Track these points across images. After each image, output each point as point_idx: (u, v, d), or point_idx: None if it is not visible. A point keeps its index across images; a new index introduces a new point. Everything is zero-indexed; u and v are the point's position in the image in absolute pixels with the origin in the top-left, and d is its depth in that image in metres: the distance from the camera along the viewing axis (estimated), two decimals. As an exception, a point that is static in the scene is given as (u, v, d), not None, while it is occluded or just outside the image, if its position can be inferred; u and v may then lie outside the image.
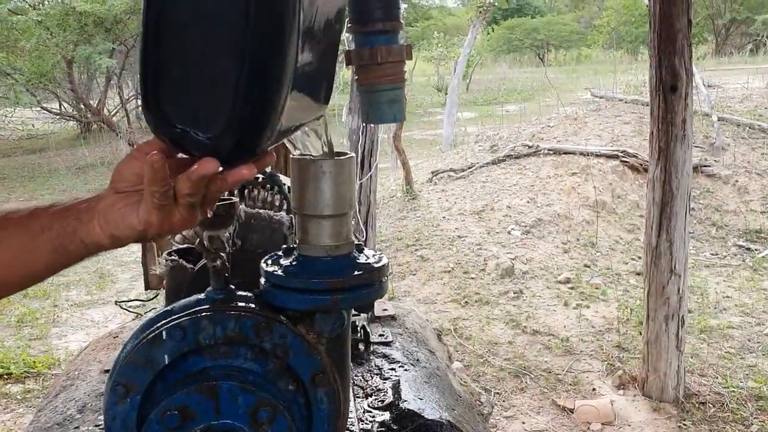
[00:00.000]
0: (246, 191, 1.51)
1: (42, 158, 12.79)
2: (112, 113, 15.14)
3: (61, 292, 5.76)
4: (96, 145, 12.92)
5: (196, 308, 0.93)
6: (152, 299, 1.83)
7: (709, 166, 7.24)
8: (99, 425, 1.37)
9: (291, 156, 0.95)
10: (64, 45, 12.94)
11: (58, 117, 15.58)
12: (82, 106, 14.81)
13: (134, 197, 0.81)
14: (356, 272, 0.95)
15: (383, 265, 0.98)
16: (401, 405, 1.42)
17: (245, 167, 0.77)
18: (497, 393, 3.90)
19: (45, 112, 15.11)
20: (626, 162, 7.24)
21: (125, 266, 6.37)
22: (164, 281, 1.49)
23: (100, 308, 5.47)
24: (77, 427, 1.38)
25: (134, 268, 6.23)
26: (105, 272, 6.21)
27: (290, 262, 0.97)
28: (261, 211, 1.42)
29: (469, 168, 7.86)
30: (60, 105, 15.54)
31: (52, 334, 4.99)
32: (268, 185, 1.53)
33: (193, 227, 0.86)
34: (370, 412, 1.43)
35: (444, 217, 6.75)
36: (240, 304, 0.94)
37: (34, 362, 4.41)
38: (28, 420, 3.48)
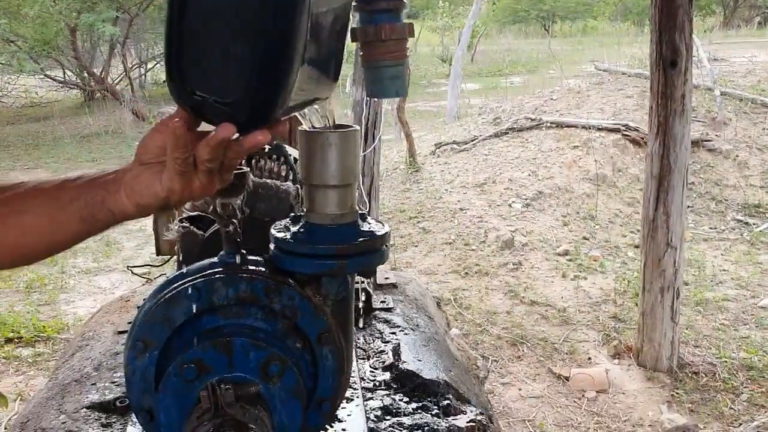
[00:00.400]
0: (254, 162, 1.57)
1: (46, 126, 12.81)
2: (115, 82, 15.10)
3: (68, 259, 5.85)
4: (100, 114, 12.93)
5: (210, 271, 1.00)
6: (162, 265, 1.90)
7: (710, 140, 7.26)
8: (115, 382, 1.45)
9: (299, 129, 1.01)
10: (67, 12, 12.86)
11: (61, 85, 15.53)
12: (86, 74, 14.76)
13: (157, 167, 0.86)
14: (360, 239, 1.02)
15: (386, 233, 1.04)
16: (401, 366, 1.50)
17: (260, 132, 0.83)
18: (495, 360, 3.99)
19: (48, 80, 15.06)
20: (627, 136, 7.26)
21: (131, 234, 6.45)
22: (176, 247, 1.56)
23: (107, 275, 5.56)
24: (94, 383, 1.45)
25: (139, 236, 6.31)
26: (111, 240, 6.29)
27: (298, 229, 1.04)
28: (268, 180, 1.48)
29: (472, 141, 7.88)
30: (64, 73, 15.48)
31: (60, 300, 5.08)
32: (275, 156, 1.58)
33: (211, 195, 0.92)
34: (372, 372, 1.51)
35: (446, 190, 6.80)
36: (251, 267, 1.01)
37: (44, 327, 4.51)
38: (39, 382, 3.59)
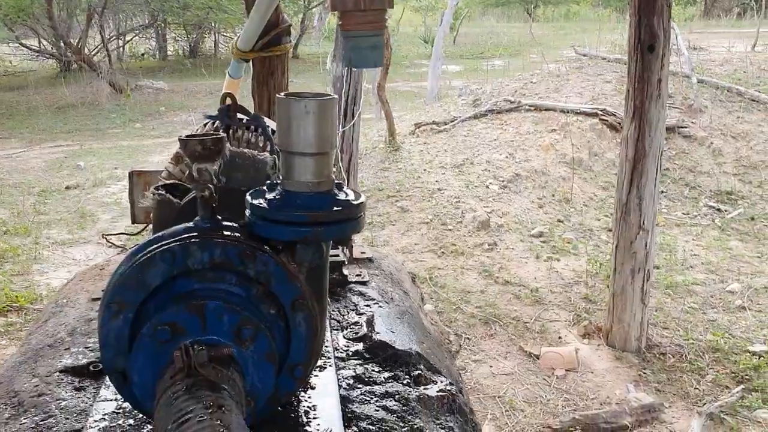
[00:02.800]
0: (231, 132, 1.57)
1: (21, 96, 12.58)
2: (92, 53, 14.83)
3: (42, 230, 5.78)
4: (76, 85, 12.71)
5: (185, 235, 1.01)
6: (138, 233, 1.89)
7: (686, 127, 7.35)
8: (88, 347, 1.45)
9: (277, 96, 1.01)
10: (44, -21, 12.61)
11: (37, 54, 15.23)
12: (62, 44, 14.49)
13: None
14: (336, 208, 1.03)
15: (361, 203, 1.05)
16: (374, 337, 1.52)
17: None
18: (467, 338, 4.05)
19: (23, 48, 14.77)
20: (605, 120, 7.32)
21: (106, 206, 6.39)
22: (151, 215, 1.56)
23: (82, 247, 5.51)
24: (67, 348, 1.45)
25: (115, 209, 6.26)
26: (86, 212, 6.23)
27: (274, 196, 1.05)
28: (245, 150, 1.48)
29: (452, 121, 7.90)
30: (39, 42, 15.18)
31: (33, 271, 5.03)
32: (253, 127, 1.58)
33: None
34: (346, 342, 1.53)
35: (425, 170, 6.82)
36: (226, 233, 1.02)
37: (17, 297, 4.47)
38: (11, 351, 3.56)
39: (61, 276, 4.82)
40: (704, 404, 3.46)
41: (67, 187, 7.14)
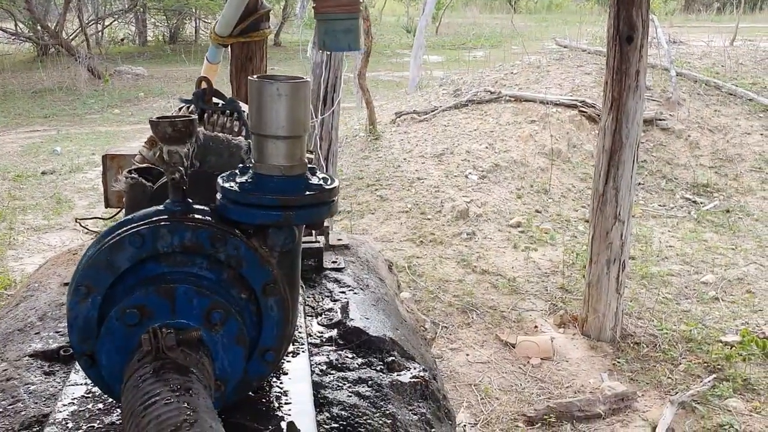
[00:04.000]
0: (206, 116, 1.55)
1: (-1, 78, 12.39)
2: (70, 37, 14.61)
3: (18, 216, 5.71)
4: (54, 69, 12.53)
5: (156, 218, 1.00)
6: (111, 218, 1.87)
7: (664, 119, 7.41)
8: (59, 331, 1.43)
9: (249, 78, 1.00)
10: (20, -39, 12.39)
11: (13, 37, 14.97)
12: (39, 27, 14.25)
13: None
14: (308, 192, 1.02)
15: (334, 187, 1.05)
16: (348, 323, 1.52)
17: None
18: (444, 327, 4.06)
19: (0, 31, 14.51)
20: (584, 112, 7.36)
21: (83, 192, 6.32)
22: (124, 198, 1.54)
23: (57, 233, 5.45)
24: (38, 333, 1.44)
25: (91, 195, 6.19)
26: (62, 198, 6.15)
27: (246, 180, 1.04)
28: (219, 134, 1.47)
29: (432, 111, 7.90)
30: (15, 25, 14.92)
31: (8, 256, 4.97)
32: (228, 111, 1.57)
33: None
34: (320, 329, 1.53)
35: (405, 159, 6.82)
36: (197, 216, 1.01)
37: (-10, 283, 4.42)
38: (-16, 338, 3.51)
39: (36, 262, 4.76)
40: (676, 393, 3.51)
41: (44, 173, 7.04)
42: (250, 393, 1.15)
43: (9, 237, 5.28)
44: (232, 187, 1.02)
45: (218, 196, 1.04)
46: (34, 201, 6.13)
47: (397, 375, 1.40)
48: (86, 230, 2.06)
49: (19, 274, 4.60)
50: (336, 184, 1.06)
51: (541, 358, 3.81)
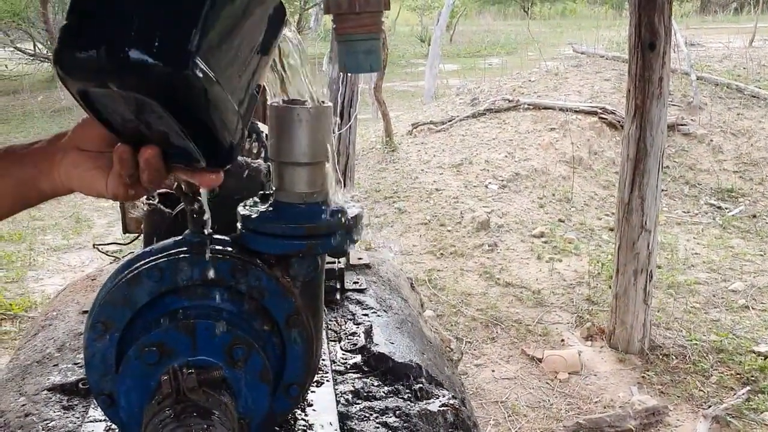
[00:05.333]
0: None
1: (16, 100, 12.52)
2: (88, 56, 14.74)
3: (37, 236, 5.74)
4: (71, 88, 12.63)
5: (174, 250, 0.96)
6: (130, 243, 1.85)
7: (686, 124, 7.31)
8: (77, 363, 1.40)
9: (269, 103, 0.96)
10: (37, -17, 12.55)
11: (32, 58, 15.16)
12: (57, 47, 14.41)
13: (99, 161, 0.83)
14: (331, 219, 0.98)
15: (358, 213, 1.01)
16: (373, 348, 1.47)
17: (214, 173, 0.85)
18: (468, 342, 4.00)
19: (18, 52, 14.70)
20: (604, 119, 7.28)
21: (102, 211, 6.34)
22: (142, 225, 1.51)
23: (77, 252, 5.46)
24: (56, 365, 1.41)
25: (111, 213, 6.21)
26: (81, 217, 6.18)
27: (267, 208, 1.00)
28: (238, 158, 1.43)
29: (449, 121, 7.86)
30: (34, 46, 15.12)
31: (28, 277, 4.99)
32: (247, 132, 1.54)
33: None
34: (343, 354, 1.48)
35: (422, 170, 6.78)
36: (217, 247, 0.97)
37: (11, 305, 4.42)
38: (5, 360, 3.51)
39: (56, 282, 4.77)
40: (709, 406, 3.42)
41: (63, 192, 7.07)
42: (275, 428, 1.10)
43: (29, 258, 5.30)
44: (253, 216, 0.98)
45: (239, 225, 1.00)
46: (53, 221, 6.16)
47: (426, 403, 1.35)
48: (104, 254, 2.04)
49: (40, 295, 4.60)
50: (360, 210, 1.02)
51: (569, 373, 3.73)
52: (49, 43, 14.62)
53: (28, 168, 0.85)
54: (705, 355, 3.90)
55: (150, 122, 0.77)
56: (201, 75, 0.71)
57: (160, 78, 0.71)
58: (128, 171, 0.80)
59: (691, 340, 4.03)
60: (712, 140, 7.18)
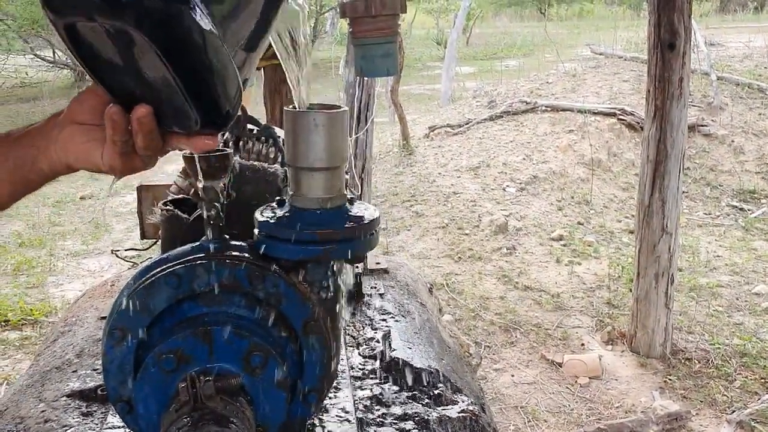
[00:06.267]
0: (241, 143, 1.52)
1: (35, 107, 12.67)
2: (107, 62, 14.89)
3: (57, 242, 5.79)
4: (91, 95, 12.76)
5: (192, 256, 0.96)
6: (148, 248, 1.85)
7: (706, 125, 7.23)
8: (96, 369, 1.40)
9: (285, 108, 0.96)
10: (57, -9, 12.68)
11: (51, 65, 15.34)
12: (76, 54, 14.57)
13: (95, 132, 0.81)
14: (348, 225, 0.97)
15: (375, 219, 1.00)
16: (391, 354, 1.46)
17: (208, 138, 0.80)
18: (487, 346, 3.97)
19: (38, 59, 14.88)
20: (623, 120, 7.22)
21: (120, 217, 6.39)
22: (160, 231, 1.51)
23: (96, 258, 5.50)
24: (75, 371, 1.41)
25: (129, 218, 6.25)
26: (100, 222, 6.23)
27: (284, 214, 0.99)
28: (255, 163, 1.43)
29: (466, 124, 7.83)
30: (54, 53, 15.29)
31: (48, 283, 5.03)
32: (263, 137, 1.53)
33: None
34: (362, 360, 1.47)
35: (440, 173, 6.75)
36: (234, 253, 0.97)
37: (31, 310, 4.46)
38: (26, 365, 3.54)
39: (75, 288, 4.81)
40: (733, 411, 3.36)
41: (82, 198, 7.15)
42: (293, 435, 1.09)
43: (49, 263, 5.35)
44: (270, 221, 0.98)
45: (256, 231, 1.00)
46: (72, 226, 6.21)
47: (445, 409, 1.34)
48: (122, 259, 2.05)
49: (60, 301, 4.64)
50: (377, 215, 1.01)
51: (590, 377, 3.69)
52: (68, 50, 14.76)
53: (25, 148, 0.84)
54: (728, 359, 3.84)
55: (142, 72, 0.74)
56: (199, 18, 0.69)
57: (153, 9, 0.67)
58: (121, 135, 0.78)
59: (713, 344, 3.97)
60: (733, 141, 7.08)
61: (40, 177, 0.86)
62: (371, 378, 1.41)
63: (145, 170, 0.87)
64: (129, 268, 2.22)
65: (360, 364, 1.46)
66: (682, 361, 3.84)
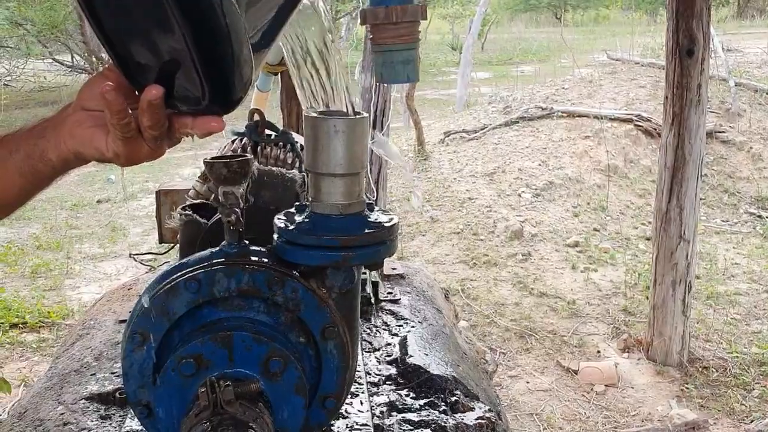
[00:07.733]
0: (259, 149, 1.53)
1: (54, 111, 12.72)
2: (124, 67, 15.01)
3: (74, 245, 5.84)
4: (108, 99, 12.87)
5: (211, 261, 0.96)
6: (166, 252, 1.86)
7: (724, 132, 7.17)
8: (114, 372, 1.41)
9: (305, 114, 0.96)
10: (76, -4, 12.82)
11: (70, 69, 15.50)
12: (94, 59, 14.72)
13: (103, 120, 0.81)
14: (367, 230, 0.97)
15: (393, 224, 1.00)
16: (407, 360, 1.46)
17: (213, 119, 0.80)
18: (503, 353, 3.96)
19: (57, 64, 15.03)
20: (640, 126, 7.17)
21: (137, 220, 6.43)
22: (178, 235, 1.52)
23: (113, 261, 5.54)
24: (93, 374, 1.42)
25: (146, 222, 6.30)
26: (117, 226, 6.28)
27: (303, 219, 1.00)
28: (273, 168, 1.44)
29: (482, 129, 7.82)
30: (72, 57, 15.45)
31: (65, 286, 5.07)
32: (281, 143, 1.54)
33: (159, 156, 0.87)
34: (378, 366, 1.47)
35: (455, 179, 6.75)
36: (253, 258, 0.97)
37: (49, 312, 4.49)
38: (43, 368, 3.57)
39: (92, 291, 4.84)
40: (752, 421, 3.33)
41: (99, 201, 7.20)
42: (310, 441, 1.09)
43: (66, 266, 5.39)
44: (289, 227, 0.98)
45: (275, 236, 1.00)
46: (90, 229, 6.26)
47: (461, 416, 1.33)
48: (140, 263, 2.06)
49: (77, 303, 4.68)
50: (395, 221, 1.01)
51: (605, 385, 3.66)
52: (86, 54, 14.92)
53: (35, 139, 0.84)
54: (746, 367, 3.80)
55: (158, 39, 0.73)
56: None
57: None
58: (116, 116, 0.77)
59: (731, 353, 3.93)
60: (751, 147, 7.02)
61: (49, 168, 0.85)
62: (388, 384, 1.40)
63: (152, 160, 0.86)
64: (146, 272, 2.23)
65: (377, 370, 1.45)
66: (700, 369, 3.80)
